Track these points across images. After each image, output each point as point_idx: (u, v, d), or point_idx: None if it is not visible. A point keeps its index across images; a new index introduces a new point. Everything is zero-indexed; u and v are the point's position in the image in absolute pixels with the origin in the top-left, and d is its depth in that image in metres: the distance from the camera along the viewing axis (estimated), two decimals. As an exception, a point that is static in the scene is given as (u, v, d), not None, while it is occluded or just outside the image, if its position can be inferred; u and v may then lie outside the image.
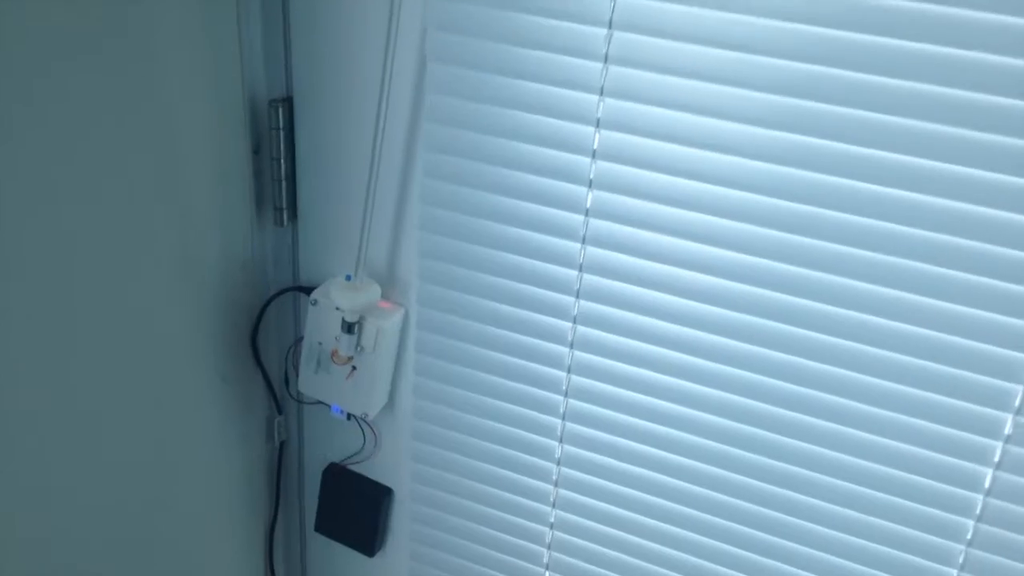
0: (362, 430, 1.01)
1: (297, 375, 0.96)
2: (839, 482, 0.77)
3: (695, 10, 0.66)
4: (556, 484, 0.91)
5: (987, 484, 0.71)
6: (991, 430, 0.70)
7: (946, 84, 0.62)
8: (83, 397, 0.76)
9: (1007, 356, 0.67)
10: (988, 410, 0.69)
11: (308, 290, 0.93)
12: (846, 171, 0.66)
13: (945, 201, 0.65)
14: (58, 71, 0.65)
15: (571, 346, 0.83)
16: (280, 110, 0.87)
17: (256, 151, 0.89)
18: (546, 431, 0.88)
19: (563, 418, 0.87)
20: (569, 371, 0.84)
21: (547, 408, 0.87)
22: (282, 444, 1.05)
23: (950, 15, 0.60)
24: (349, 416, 0.98)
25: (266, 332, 0.98)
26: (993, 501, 0.72)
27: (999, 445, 0.70)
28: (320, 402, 0.97)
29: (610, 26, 0.70)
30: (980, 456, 0.71)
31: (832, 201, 0.68)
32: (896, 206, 0.66)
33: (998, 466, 0.70)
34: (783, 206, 0.70)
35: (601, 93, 0.72)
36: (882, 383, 0.72)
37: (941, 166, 0.64)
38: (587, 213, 0.77)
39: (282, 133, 0.88)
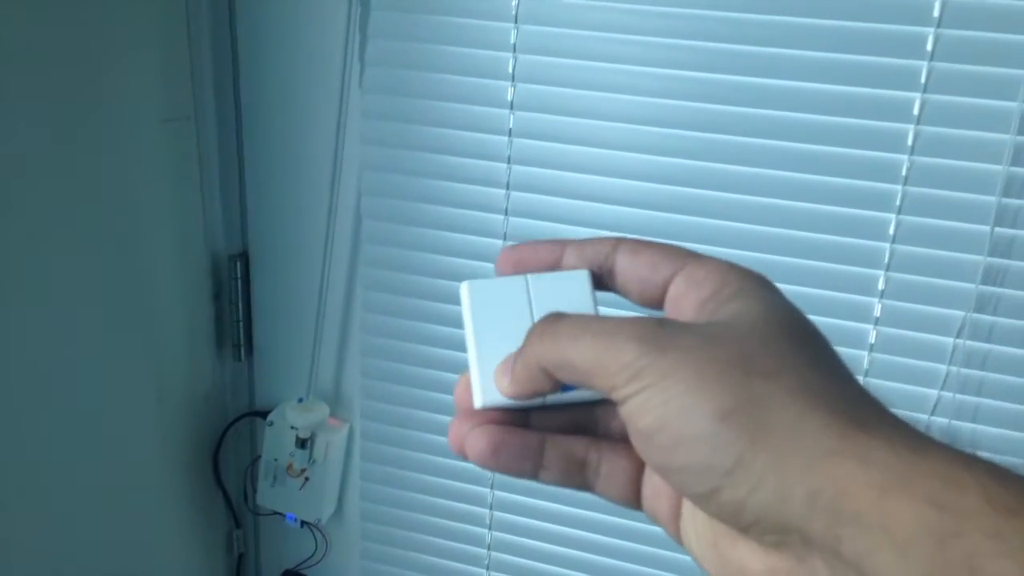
0: (314, 536, 1.14)
1: (255, 491, 1.09)
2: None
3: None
4: (488, 568, 1.06)
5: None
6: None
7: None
8: (58, 514, 0.87)
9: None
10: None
11: (263, 414, 1.07)
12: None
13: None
14: (57, 238, 0.81)
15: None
16: (238, 263, 1.04)
17: (216, 297, 1.05)
18: (477, 520, 1.04)
19: (491, 508, 1.03)
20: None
21: (477, 500, 1.03)
22: (240, 556, 1.17)
23: None
24: (302, 523, 1.11)
25: (225, 454, 1.11)
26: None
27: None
28: (276, 513, 1.10)
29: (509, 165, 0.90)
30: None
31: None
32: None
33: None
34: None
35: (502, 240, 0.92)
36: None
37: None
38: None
39: (239, 282, 1.05)
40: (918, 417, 0.85)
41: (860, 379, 0.87)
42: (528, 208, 0.90)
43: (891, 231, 0.81)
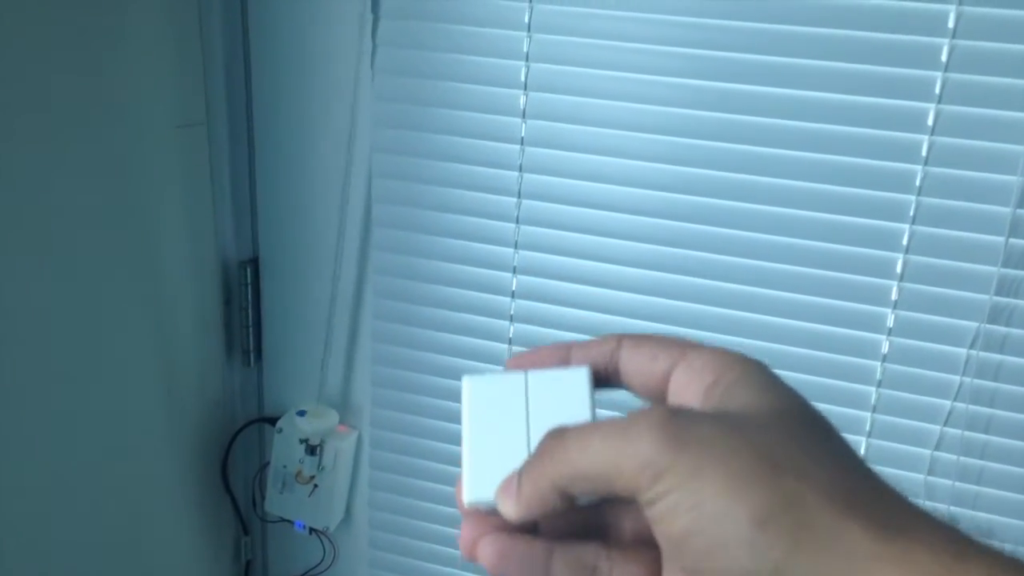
0: (322, 544, 1.13)
1: (263, 498, 1.09)
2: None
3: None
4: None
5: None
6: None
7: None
8: (66, 519, 0.87)
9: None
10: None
11: (272, 421, 1.07)
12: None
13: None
14: (68, 242, 0.81)
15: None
16: (248, 269, 1.04)
17: (227, 303, 1.05)
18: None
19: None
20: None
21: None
22: (248, 562, 1.16)
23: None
24: (311, 531, 1.11)
25: (234, 461, 1.11)
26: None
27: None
28: (283, 520, 1.10)
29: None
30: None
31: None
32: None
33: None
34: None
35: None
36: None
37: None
38: (510, 341, 0.95)
39: (250, 288, 1.05)
40: (931, 428, 0.85)
41: (872, 390, 0.84)
42: (539, 216, 0.90)
43: (904, 242, 0.81)
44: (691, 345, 0.31)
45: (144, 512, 0.98)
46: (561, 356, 0.34)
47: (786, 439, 0.27)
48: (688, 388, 0.30)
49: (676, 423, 0.27)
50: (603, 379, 0.33)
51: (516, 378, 0.33)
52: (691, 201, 0.85)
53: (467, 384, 0.34)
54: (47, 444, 0.82)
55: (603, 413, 0.31)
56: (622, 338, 0.33)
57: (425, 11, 0.87)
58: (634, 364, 0.32)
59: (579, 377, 0.33)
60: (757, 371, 0.30)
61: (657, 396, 0.32)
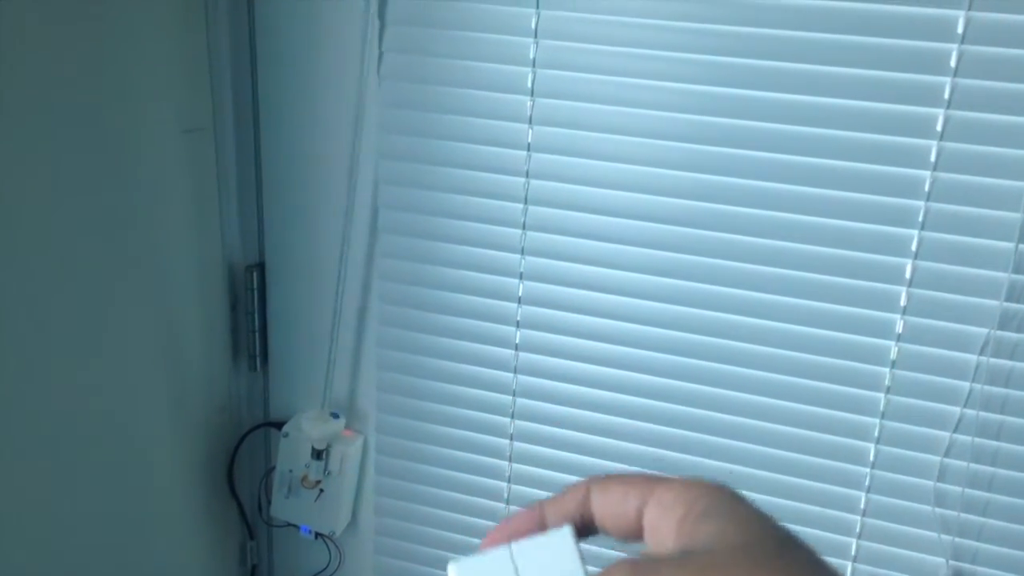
0: (328, 549, 1.13)
1: (269, 502, 1.09)
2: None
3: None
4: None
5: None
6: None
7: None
8: (72, 523, 0.87)
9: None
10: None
11: (278, 425, 1.07)
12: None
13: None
14: (75, 247, 0.81)
15: (509, 459, 0.99)
16: (255, 274, 1.04)
17: (233, 308, 1.05)
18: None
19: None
20: (509, 481, 1.00)
21: (493, 515, 1.02)
22: (254, 567, 1.16)
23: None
24: (317, 536, 1.10)
25: (240, 465, 1.11)
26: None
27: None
28: (289, 524, 1.10)
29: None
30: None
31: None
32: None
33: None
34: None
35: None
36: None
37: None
38: (516, 349, 0.95)
39: (256, 293, 1.05)
40: (941, 435, 0.84)
41: (881, 396, 0.84)
42: (546, 222, 0.90)
43: (914, 247, 0.80)
44: (659, 480, 0.31)
45: (150, 516, 0.98)
46: (535, 520, 0.34)
47: (753, 570, 0.27)
48: (662, 523, 0.30)
49: (640, 572, 0.27)
50: (580, 530, 0.33)
51: (501, 555, 0.33)
52: (698, 207, 0.85)
53: (453, 572, 0.33)
54: (53, 448, 0.82)
55: (594, 571, 0.31)
56: (590, 484, 0.33)
57: (431, 17, 0.87)
58: (607, 508, 0.32)
59: (563, 538, 0.32)
60: (726, 500, 0.30)
61: (633, 536, 0.32)
